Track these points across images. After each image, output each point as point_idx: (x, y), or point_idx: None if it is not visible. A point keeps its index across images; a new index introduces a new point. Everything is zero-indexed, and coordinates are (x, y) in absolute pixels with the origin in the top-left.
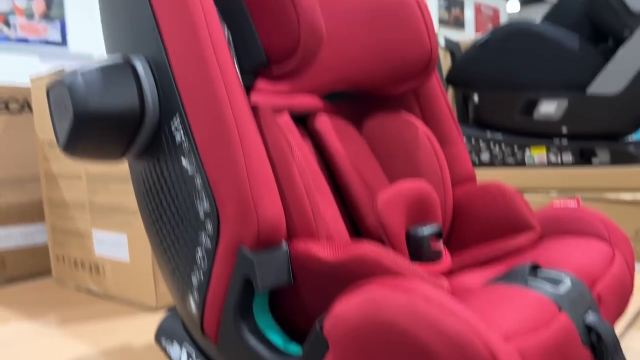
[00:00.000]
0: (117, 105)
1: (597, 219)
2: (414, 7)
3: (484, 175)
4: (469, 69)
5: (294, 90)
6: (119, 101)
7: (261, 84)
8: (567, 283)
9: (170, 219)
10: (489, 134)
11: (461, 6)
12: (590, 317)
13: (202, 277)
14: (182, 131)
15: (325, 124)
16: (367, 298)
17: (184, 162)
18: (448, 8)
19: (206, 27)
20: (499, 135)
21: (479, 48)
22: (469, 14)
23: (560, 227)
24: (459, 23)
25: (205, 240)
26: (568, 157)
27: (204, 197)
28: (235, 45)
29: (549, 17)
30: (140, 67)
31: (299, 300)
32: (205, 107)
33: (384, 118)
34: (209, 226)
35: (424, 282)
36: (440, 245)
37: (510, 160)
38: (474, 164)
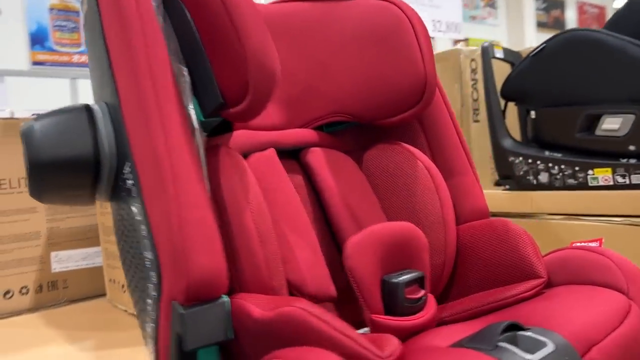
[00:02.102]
0: (70, 152)
1: (617, 266)
2: (408, 33)
3: (542, 198)
4: (523, 82)
5: (285, 124)
6: (72, 149)
7: (240, 123)
8: (548, 348)
9: (131, 265)
10: (547, 153)
11: (562, 7)
12: None
13: (154, 327)
14: (131, 177)
15: (317, 158)
16: None
17: (134, 208)
18: (547, 9)
19: (148, 72)
20: (558, 155)
21: (532, 59)
22: (570, 15)
23: (573, 273)
24: (559, 25)
25: (151, 291)
26: (638, 178)
27: (148, 247)
28: (197, 86)
29: (612, 25)
30: (100, 113)
31: (243, 357)
32: (146, 153)
33: (383, 149)
34: (153, 277)
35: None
36: (420, 294)
37: (571, 182)
38: (531, 186)
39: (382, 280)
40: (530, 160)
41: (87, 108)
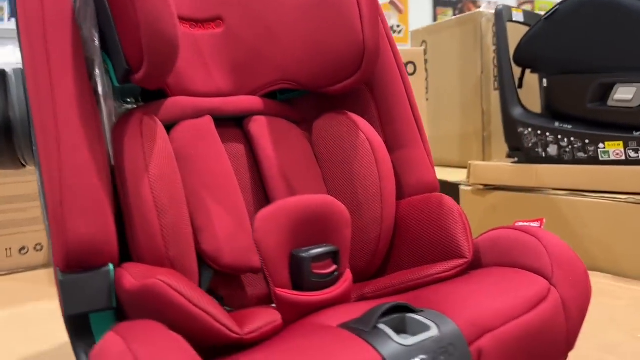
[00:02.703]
0: None
1: (546, 249)
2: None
3: (546, 172)
4: (535, 48)
5: (232, 91)
6: None
7: (180, 89)
8: (429, 333)
9: (45, 230)
10: (557, 125)
11: None
12: None
13: (58, 292)
14: (35, 143)
15: (259, 126)
16: (99, 344)
17: (37, 174)
18: None
19: (42, 38)
20: (568, 126)
21: (544, 23)
22: None
23: (501, 255)
24: None
25: (51, 255)
26: None
27: (45, 212)
28: (109, 51)
29: None
30: (13, 79)
31: None
32: (38, 119)
33: (330, 119)
34: (50, 243)
35: (170, 333)
36: (331, 269)
37: (580, 155)
38: (540, 159)
39: (291, 254)
40: (539, 132)
41: (1, 73)
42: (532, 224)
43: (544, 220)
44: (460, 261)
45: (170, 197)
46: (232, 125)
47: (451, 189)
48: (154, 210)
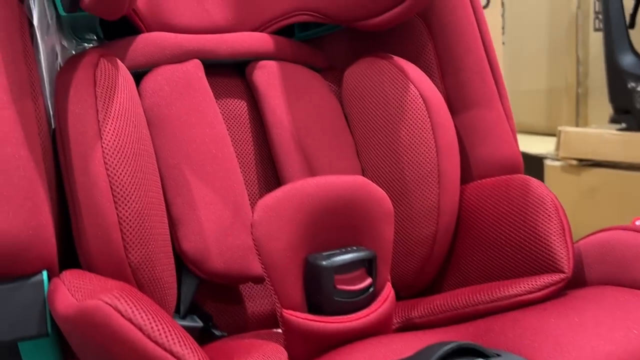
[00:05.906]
0: None
1: None
2: None
3: None
4: None
5: (232, 26)
6: None
7: (158, 24)
8: None
9: None
10: None
11: None
12: None
13: None
14: None
15: (267, 75)
16: None
17: None
18: None
19: None
20: None
21: None
22: None
23: (614, 268)
24: None
25: None
26: None
27: None
28: None
29: None
30: None
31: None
32: None
33: (367, 65)
34: None
35: None
36: (363, 284)
37: None
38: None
39: (305, 260)
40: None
41: None
42: None
43: None
44: (555, 277)
45: (134, 176)
46: (230, 73)
47: (532, 163)
48: (109, 195)
